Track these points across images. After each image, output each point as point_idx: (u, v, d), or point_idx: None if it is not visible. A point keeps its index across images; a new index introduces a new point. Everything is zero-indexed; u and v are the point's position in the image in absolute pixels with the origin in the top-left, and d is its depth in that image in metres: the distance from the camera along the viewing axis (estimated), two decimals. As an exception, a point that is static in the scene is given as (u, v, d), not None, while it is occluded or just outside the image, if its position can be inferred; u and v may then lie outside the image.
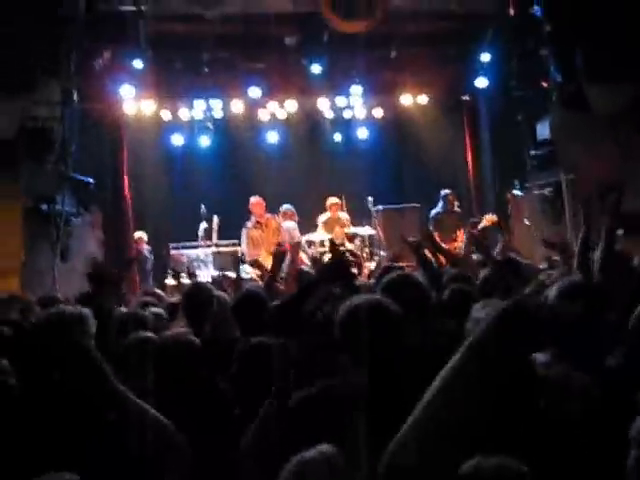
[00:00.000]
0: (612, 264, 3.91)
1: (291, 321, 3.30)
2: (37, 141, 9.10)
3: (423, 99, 13.00)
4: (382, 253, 12.13)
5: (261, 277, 10.03)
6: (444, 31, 11.48)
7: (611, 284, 3.56)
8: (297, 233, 11.55)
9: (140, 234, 12.06)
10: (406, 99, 12.95)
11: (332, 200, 12.18)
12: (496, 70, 11.75)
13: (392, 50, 11.49)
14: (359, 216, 12.36)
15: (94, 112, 10.72)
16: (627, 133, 9.67)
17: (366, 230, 12.12)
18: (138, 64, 10.44)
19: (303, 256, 11.62)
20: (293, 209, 11.80)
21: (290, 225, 11.56)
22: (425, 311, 3.53)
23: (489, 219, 11.02)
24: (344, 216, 12.16)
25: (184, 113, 12.75)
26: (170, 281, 11.36)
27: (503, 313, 1.97)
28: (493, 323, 1.95)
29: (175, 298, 6.07)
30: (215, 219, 11.95)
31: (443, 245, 8.40)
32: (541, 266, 6.52)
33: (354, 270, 10.12)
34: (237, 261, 8.23)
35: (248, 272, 11.79)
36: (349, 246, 11.75)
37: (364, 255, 11.88)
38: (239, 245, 11.80)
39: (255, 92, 11.82)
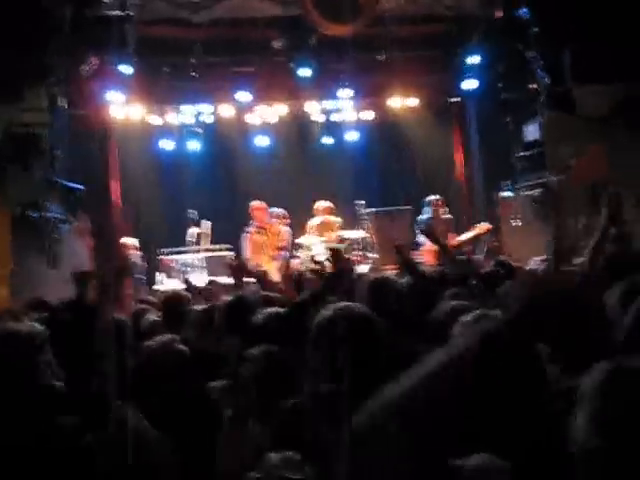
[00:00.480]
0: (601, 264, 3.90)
1: (295, 330, 3.29)
2: (24, 148, 9.04)
3: (412, 102, 13.00)
4: (373, 256, 12.14)
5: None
6: (432, 34, 11.52)
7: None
8: (290, 237, 11.57)
9: (131, 240, 12.00)
10: (395, 102, 12.96)
11: (322, 204, 12.18)
12: (484, 72, 11.78)
13: (380, 53, 11.50)
14: (349, 219, 12.36)
15: (82, 118, 10.67)
16: (615, 134, 9.71)
17: (357, 233, 12.12)
18: (126, 69, 10.41)
19: (295, 260, 11.66)
20: (286, 212, 11.78)
21: (288, 229, 11.58)
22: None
23: (482, 228, 11.06)
24: (335, 220, 12.16)
25: (173, 118, 12.72)
26: (160, 287, 11.35)
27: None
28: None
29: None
30: (206, 224, 11.94)
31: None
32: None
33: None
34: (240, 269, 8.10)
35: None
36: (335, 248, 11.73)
37: (356, 258, 11.87)
38: (233, 250, 11.78)
39: (244, 96, 11.82)
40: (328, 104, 12.96)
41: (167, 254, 11.83)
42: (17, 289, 8.70)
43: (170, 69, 11.21)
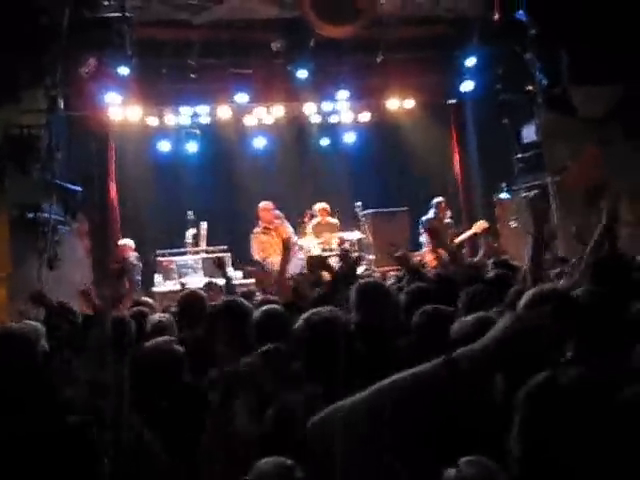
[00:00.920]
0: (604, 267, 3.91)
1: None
2: (23, 149, 9.03)
3: (410, 103, 13.04)
4: (371, 257, 12.17)
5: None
6: (430, 36, 11.53)
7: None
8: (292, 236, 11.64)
9: (127, 241, 12.01)
10: (393, 103, 12.99)
11: (320, 205, 12.24)
12: (482, 74, 11.82)
13: (378, 55, 11.52)
14: (347, 220, 12.38)
15: (80, 119, 10.68)
16: (611, 136, 9.74)
17: (355, 234, 12.15)
18: (124, 70, 10.40)
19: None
20: (280, 214, 11.83)
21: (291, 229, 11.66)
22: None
23: (480, 226, 11.11)
24: (333, 221, 12.20)
25: (171, 119, 12.73)
26: (158, 288, 11.36)
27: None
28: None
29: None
30: (203, 225, 11.96)
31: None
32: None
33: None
34: (222, 264, 8.16)
35: (237, 277, 11.83)
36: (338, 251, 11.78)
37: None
38: (228, 251, 11.81)
39: (242, 98, 11.83)
40: (326, 106, 12.97)
41: (165, 255, 11.84)
42: (15, 291, 8.70)
43: (168, 70, 11.19)
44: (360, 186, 13.35)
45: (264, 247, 11.30)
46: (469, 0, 11.00)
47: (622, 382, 1.77)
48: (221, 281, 10.82)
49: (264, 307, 4.26)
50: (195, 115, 12.70)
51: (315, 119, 13.49)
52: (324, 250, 11.83)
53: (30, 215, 9.15)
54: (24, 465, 2.51)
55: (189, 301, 5.13)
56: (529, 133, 11.19)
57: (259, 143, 13.76)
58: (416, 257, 10.98)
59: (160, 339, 3.65)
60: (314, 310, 2.92)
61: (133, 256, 11.94)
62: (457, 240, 11.01)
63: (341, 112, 13.41)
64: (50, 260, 9.39)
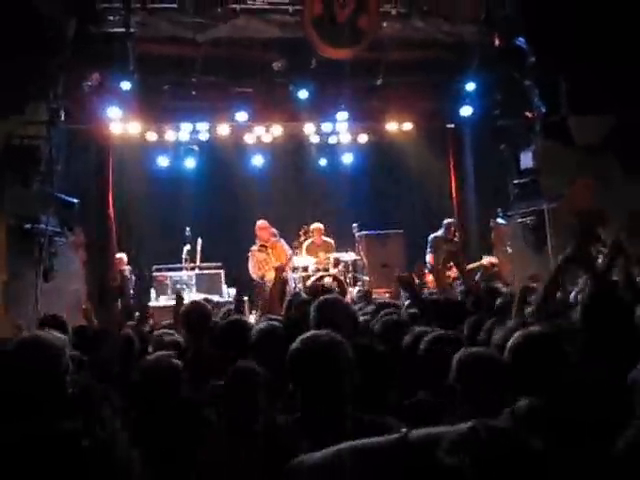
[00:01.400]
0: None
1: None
2: (23, 160, 9.09)
3: (408, 126, 13.10)
4: (365, 278, 12.20)
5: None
6: (430, 60, 11.60)
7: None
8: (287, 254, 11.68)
9: (120, 255, 12.03)
10: (391, 126, 13.06)
11: (315, 226, 12.29)
12: (480, 99, 11.88)
13: (378, 78, 11.59)
14: (343, 241, 12.43)
15: (81, 133, 10.73)
16: (607, 164, 9.82)
17: (350, 255, 12.20)
18: (126, 85, 10.47)
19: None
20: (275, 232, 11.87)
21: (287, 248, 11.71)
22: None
23: (489, 261, 11.20)
24: (328, 241, 12.24)
25: (170, 135, 12.77)
26: (153, 303, 11.37)
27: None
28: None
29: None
30: (199, 241, 11.99)
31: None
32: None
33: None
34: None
35: (231, 294, 11.87)
36: (333, 271, 11.83)
37: (347, 280, 11.94)
38: (222, 268, 11.86)
39: (242, 116, 11.89)
40: (325, 126, 13.03)
41: (161, 271, 11.86)
42: (11, 301, 8.71)
43: (170, 87, 11.25)
44: (357, 207, 13.40)
45: (261, 265, 11.35)
46: (469, 25, 11.09)
47: None
48: (215, 298, 10.91)
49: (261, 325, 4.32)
50: (194, 131, 12.74)
51: (314, 139, 13.55)
52: (318, 270, 11.86)
53: (27, 226, 9.18)
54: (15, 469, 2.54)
55: (195, 313, 5.14)
56: (526, 159, 11.26)
57: (257, 161, 13.81)
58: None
59: (159, 354, 3.66)
60: (305, 335, 2.92)
61: (127, 270, 11.96)
62: (469, 267, 11.16)
63: (340, 133, 13.47)
64: (45, 271, 9.40)
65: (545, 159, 10.66)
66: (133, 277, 12.11)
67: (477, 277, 10.96)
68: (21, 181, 9.06)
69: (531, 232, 11.10)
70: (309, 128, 13.05)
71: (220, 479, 3.06)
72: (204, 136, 12.80)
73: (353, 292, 11.44)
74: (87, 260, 10.82)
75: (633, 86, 9.10)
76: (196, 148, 13.12)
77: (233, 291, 11.94)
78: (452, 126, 13.51)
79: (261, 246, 11.48)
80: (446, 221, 12.01)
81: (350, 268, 12.20)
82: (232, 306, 9.03)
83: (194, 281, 11.84)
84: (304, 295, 7.94)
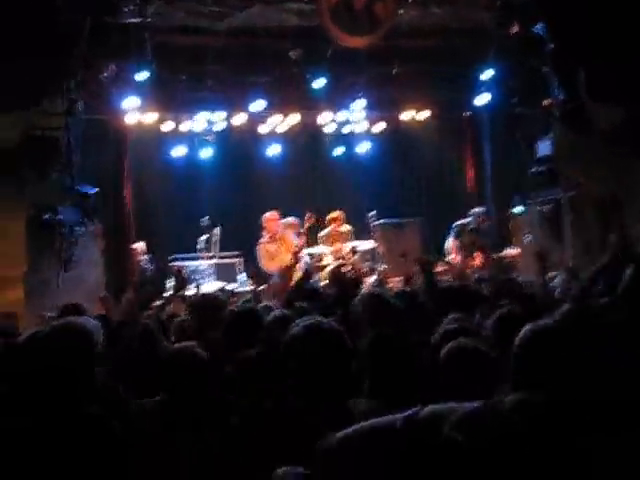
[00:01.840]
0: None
1: None
2: (41, 151, 9.13)
3: (424, 115, 13.07)
4: (382, 267, 12.19)
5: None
6: (447, 47, 11.53)
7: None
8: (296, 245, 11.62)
9: (138, 244, 12.07)
10: (407, 115, 13.02)
11: (332, 215, 12.26)
12: (498, 87, 11.82)
13: (395, 66, 11.56)
14: (359, 230, 12.41)
15: (98, 123, 10.77)
16: (627, 152, 9.74)
17: (368, 244, 12.17)
18: (143, 76, 10.48)
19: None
20: (295, 220, 11.80)
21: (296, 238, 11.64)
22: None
23: (511, 253, 11.17)
24: (347, 229, 12.20)
25: (186, 125, 12.78)
26: (171, 292, 11.40)
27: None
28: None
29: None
30: (216, 231, 12.01)
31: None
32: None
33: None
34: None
35: (246, 284, 11.90)
36: (349, 260, 11.81)
37: (364, 269, 11.92)
38: (241, 257, 11.88)
39: (258, 106, 11.89)
40: (341, 115, 13.01)
41: (178, 260, 11.88)
42: (31, 291, 8.78)
43: (186, 77, 11.26)
44: (373, 196, 13.36)
45: (271, 256, 11.28)
46: (487, 12, 11.02)
47: None
48: (232, 287, 10.96)
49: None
50: (210, 121, 12.74)
51: (330, 128, 13.52)
52: (336, 259, 11.85)
53: (46, 216, 9.24)
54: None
55: (207, 305, 5.17)
56: (544, 148, 11.19)
57: (273, 151, 13.80)
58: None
59: (184, 344, 3.67)
60: (307, 321, 2.92)
61: (145, 259, 12.01)
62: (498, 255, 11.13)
63: (356, 122, 13.44)
64: (65, 261, 9.47)
65: (563, 147, 10.59)
66: (151, 267, 12.14)
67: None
68: (40, 172, 9.11)
69: (549, 220, 11.05)
70: (325, 117, 13.02)
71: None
72: (220, 126, 12.80)
73: (369, 282, 11.42)
74: (106, 249, 10.88)
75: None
76: (212, 138, 13.13)
77: (249, 281, 12.00)
78: (469, 114, 13.47)
79: (271, 237, 11.40)
80: (475, 210, 11.87)
81: (367, 257, 12.18)
82: (250, 295, 9.11)
83: (212, 270, 11.88)
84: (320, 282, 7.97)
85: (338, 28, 10.47)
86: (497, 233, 11.99)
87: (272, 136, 13.49)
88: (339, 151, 14.16)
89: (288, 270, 10.90)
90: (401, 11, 10.74)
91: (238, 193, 13.29)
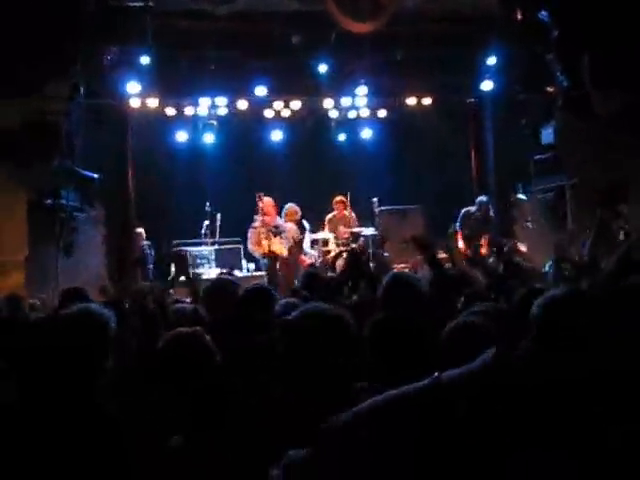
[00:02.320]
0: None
1: None
2: (43, 136, 9.09)
3: (428, 101, 13.03)
4: (384, 254, 12.17)
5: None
6: (450, 34, 11.48)
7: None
8: (297, 234, 11.59)
9: (139, 230, 12.06)
10: (411, 101, 12.98)
11: (337, 198, 12.26)
12: (502, 74, 11.77)
13: (398, 52, 11.52)
14: (362, 216, 12.39)
15: (100, 108, 10.74)
16: (631, 138, 9.70)
17: (370, 230, 12.17)
18: (145, 60, 10.45)
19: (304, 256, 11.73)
20: (295, 207, 11.79)
21: (289, 226, 11.59)
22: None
23: (517, 246, 11.13)
24: (350, 215, 12.20)
25: (189, 110, 12.75)
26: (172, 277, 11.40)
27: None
28: None
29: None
30: (218, 216, 12.01)
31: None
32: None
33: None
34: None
35: (250, 269, 11.91)
36: (353, 245, 11.80)
37: (367, 255, 11.90)
38: (241, 243, 11.86)
39: (260, 91, 11.85)
40: (344, 101, 12.96)
41: (179, 245, 11.87)
42: (31, 276, 8.79)
43: (188, 61, 11.22)
44: (376, 182, 13.32)
45: (260, 239, 11.25)
46: (491, -1, 10.97)
47: None
48: (236, 273, 10.95)
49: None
50: (213, 106, 12.70)
51: (333, 114, 13.48)
52: (338, 245, 11.86)
53: (48, 201, 9.23)
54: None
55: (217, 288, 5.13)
56: (547, 135, 11.15)
57: (276, 136, 13.76)
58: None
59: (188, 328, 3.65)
60: (307, 307, 2.91)
61: (145, 245, 12.00)
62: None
63: (359, 108, 13.40)
64: (66, 246, 9.47)
65: (566, 134, 10.55)
66: (152, 252, 12.14)
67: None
68: (41, 157, 9.08)
69: (551, 208, 11.02)
70: (328, 103, 12.98)
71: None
72: (223, 111, 12.77)
73: (372, 267, 11.40)
74: (107, 235, 10.87)
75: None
76: (215, 123, 13.10)
77: (252, 266, 12.01)
78: (472, 101, 13.41)
79: (264, 222, 11.36)
80: (479, 199, 11.83)
81: (370, 243, 12.17)
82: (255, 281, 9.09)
83: (213, 256, 11.88)
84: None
85: (341, 13, 10.42)
86: (500, 220, 11.93)
87: (275, 121, 13.45)
88: (342, 137, 14.12)
89: (273, 255, 11.01)
90: (405, -4, 10.70)
91: (240, 178, 13.24)
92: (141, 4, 9.94)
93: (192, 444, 3.02)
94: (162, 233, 11.87)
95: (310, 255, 11.88)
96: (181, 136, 13.26)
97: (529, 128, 11.52)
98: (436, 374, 1.81)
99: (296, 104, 12.86)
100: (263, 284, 4.86)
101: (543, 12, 10.19)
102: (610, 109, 9.77)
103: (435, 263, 5.07)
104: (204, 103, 12.58)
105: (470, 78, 12.29)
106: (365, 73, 11.90)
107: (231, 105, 12.57)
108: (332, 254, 11.69)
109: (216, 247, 12.03)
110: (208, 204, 11.96)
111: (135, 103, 11.71)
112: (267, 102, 12.75)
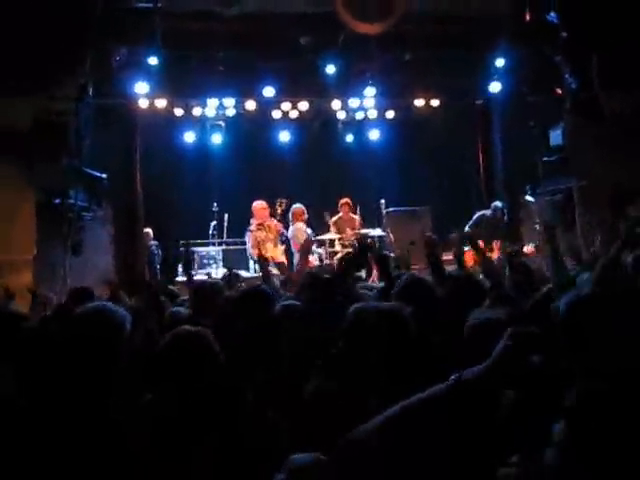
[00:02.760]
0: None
1: None
2: (51, 136, 9.11)
3: (436, 102, 13.02)
4: (392, 255, 12.15)
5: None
6: (459, 35, 11.45)
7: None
8: (305, 234, 11.59)
9: (146, 230, 12.09)
10: (419, 102, 12.97)
11: (342, 200, 12.25)
12: (510, 75, 11.74)
13: (406, 53, 11.50)
14: (370, 217, 12.39)
15: (108, 108, 10.75)
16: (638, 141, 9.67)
17: (377, 232, 12.16)
18: (153, 61, 10.47)
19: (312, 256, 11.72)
20: (302, 207, 11.80)
21: (299, 226, 11.60)
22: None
23: (530, 249, 11.11)
24: (355, 217, 12.21)
25: (197, 110, 12.77)
26: (180, 278, 11.42)
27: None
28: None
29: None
30: (225, 217, 12.03)
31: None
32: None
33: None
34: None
35: (256, 270, 11.90)
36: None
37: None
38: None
39: (268, 92, 11.86)
40: (352, 102, 12.97)
41: (189, 246, 11.87)
42: (40, 275, 8.80)
43: (197, 62, 11.23)
44: (384, 183, 13.33)
45: (257, 242, 11.28)
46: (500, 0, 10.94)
47: None
48: (242, 273, 10.95)
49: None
50: (221, 107, 12.73)
51: (341, 115, 13.49)
52: (344, 246, 11.85)
53: (56, 201, 9.25)
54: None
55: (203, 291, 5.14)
56: (555, 136, 11.12)
57: (284, 137, 13.77)
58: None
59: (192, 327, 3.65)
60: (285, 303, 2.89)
61: (153, 245, 12.03)
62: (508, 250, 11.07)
63: (367, 109, 13.40)
64: (74, 246, 9.48)
65: (575, 136, 10.51)
66: (160, 252, 12.16)
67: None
68: (50, 156, 9.09)
69: (560, 210, 10.98)
70: (336, 104, 13.00)
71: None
72: (231, 111, 12.80)
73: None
74: (115, 235, 10.90)
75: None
76: (223, 123, 13.12)
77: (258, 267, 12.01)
78: (481, 102, 13.39)
79: (259, 224, 11.40)
80: (495, 204, 11.84)
81: (377, 244, 12.15)
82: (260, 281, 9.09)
83: (221, 256, 11.90)
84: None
85: (350, 15, 10.41)
86: (508, 222, 11.90)
87: (283, 122, 13.47)
88: (350, 138, 14.12)
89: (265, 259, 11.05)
90: (414, -3, 10.68)
91: (248, 179, 13.26)
92: (150, 5, 9.95)
93: (194, 445, 3.02)
94: (170, 233, 11.91)
95: (317, 254, 11.88)
96: (189, 136, 13.30)
97: (537, 130, 11.48)
98: (456, 374, 1.81)
99: (304, 105, 12.88)
100: (263, 285, 4.83)
101: (552, 13, 10.16)
102: (619, 111, 9.74)
103: (436, 265, 5.06)
104: (212, 104, 12.62)
105: (478, 79, 12.27)
106: (373, 74, 11.89)
107: (239, 106, 12.60)
108: (338, 255, 11.68)
109: (223, 247, 12.05)
110: (215, 204, 11.98)
111: (143, 103, 11.75)
112: (275, 103, 12.78)
